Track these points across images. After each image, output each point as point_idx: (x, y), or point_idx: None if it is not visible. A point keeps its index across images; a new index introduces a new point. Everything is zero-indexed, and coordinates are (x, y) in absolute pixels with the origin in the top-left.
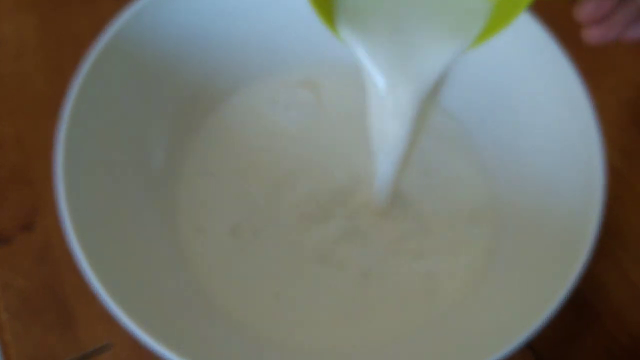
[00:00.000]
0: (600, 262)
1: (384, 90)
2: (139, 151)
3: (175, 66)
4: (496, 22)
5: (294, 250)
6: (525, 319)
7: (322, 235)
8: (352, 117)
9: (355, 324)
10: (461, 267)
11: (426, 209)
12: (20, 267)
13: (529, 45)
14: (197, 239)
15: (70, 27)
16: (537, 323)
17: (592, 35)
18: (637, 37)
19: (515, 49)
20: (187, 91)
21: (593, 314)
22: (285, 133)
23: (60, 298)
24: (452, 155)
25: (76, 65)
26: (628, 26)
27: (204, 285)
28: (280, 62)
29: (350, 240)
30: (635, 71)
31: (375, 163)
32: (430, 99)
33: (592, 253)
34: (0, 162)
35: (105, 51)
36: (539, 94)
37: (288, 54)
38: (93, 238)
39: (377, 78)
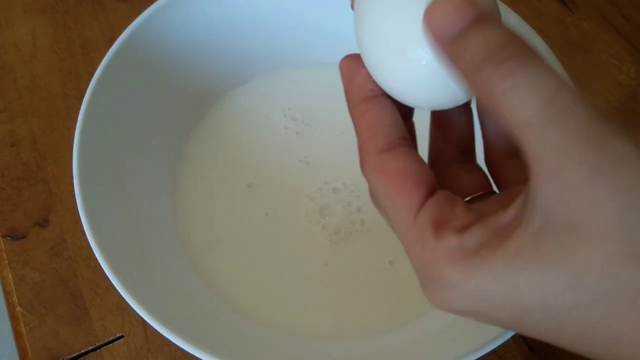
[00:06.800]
0: None
1: None
2: (149, 148)
3: (183, 67)
4: None
5: (304, 239)
6: None
7: (329, 225)
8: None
9: (354, 311)
10: None
11: None
12: (35, 262)
13: None
14: (204, 233)
15: (81, 30)
16: None
17: None
18: None
19: None
20: (193, 90)
21: None
22: (288, 128)
23: (74, 292)
24: None
25: (87, 67)
26: None
27: (209, 275)
28: (280, 63)
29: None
30: (623, 75)
31: None
32: None
33: None
34: (14, 161)
35: (117, 55)
36: None
37: (288, 56)
38: (107, 232)
39: None
